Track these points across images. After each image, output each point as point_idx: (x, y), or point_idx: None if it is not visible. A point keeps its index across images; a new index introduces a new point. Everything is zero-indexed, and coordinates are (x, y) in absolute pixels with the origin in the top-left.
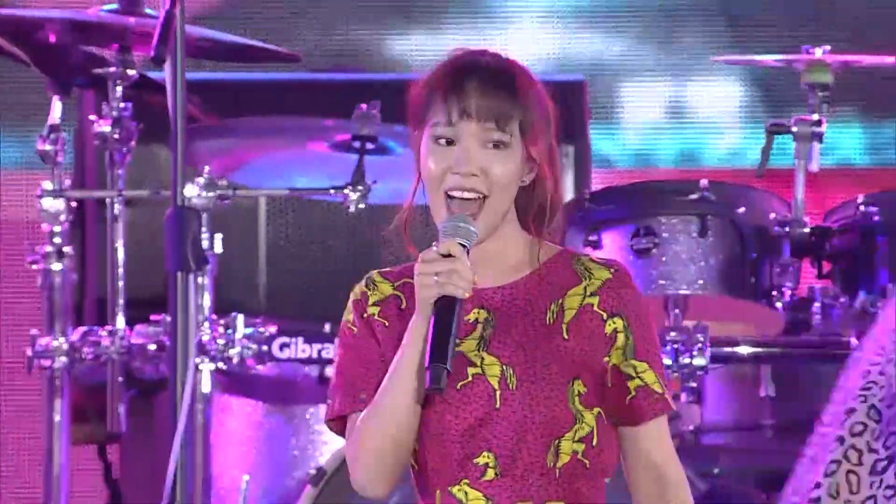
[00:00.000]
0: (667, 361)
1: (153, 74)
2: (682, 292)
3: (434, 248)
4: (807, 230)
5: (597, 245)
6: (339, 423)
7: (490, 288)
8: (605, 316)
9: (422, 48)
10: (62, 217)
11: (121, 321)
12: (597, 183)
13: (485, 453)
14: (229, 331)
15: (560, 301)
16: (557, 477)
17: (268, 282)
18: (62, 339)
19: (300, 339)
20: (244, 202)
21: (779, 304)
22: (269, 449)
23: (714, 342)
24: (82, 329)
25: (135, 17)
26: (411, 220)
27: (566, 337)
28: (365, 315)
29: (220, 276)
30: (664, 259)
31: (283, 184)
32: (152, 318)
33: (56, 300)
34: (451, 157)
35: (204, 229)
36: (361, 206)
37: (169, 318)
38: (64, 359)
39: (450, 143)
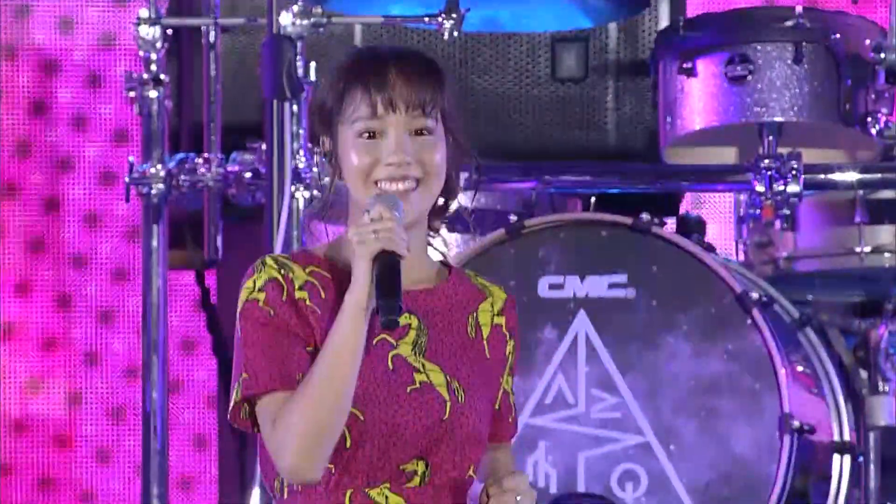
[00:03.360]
0: (760, 189)
1: None
2: (776, 119)
3: (364, 217)
4: None
5: (691, 72)
6: (238, 410)
7: (413, 291)
8: (507, 337)
9: None
10: (158, 45)
11: (217, 149)
12: (692, 9)
13: (415, 460)
14: (324, 158)
15: (474, 314)
16: (460, 488)
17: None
18: (159, 167)
19: None
20: (339, 30)
21: (873, 131)
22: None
23: (808, 169)
24: (179, 156)
25: None
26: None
27: (488, 355)
28: (289, 297)
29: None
30: (759, 86)
31: (377, 11)
32: (248, 145)
33: (153, 128)
34: (377, 149)
35: (299, 57)
36: (455, 33)
37: (265, 146)
38: (161, 186)
39: (371, 136)
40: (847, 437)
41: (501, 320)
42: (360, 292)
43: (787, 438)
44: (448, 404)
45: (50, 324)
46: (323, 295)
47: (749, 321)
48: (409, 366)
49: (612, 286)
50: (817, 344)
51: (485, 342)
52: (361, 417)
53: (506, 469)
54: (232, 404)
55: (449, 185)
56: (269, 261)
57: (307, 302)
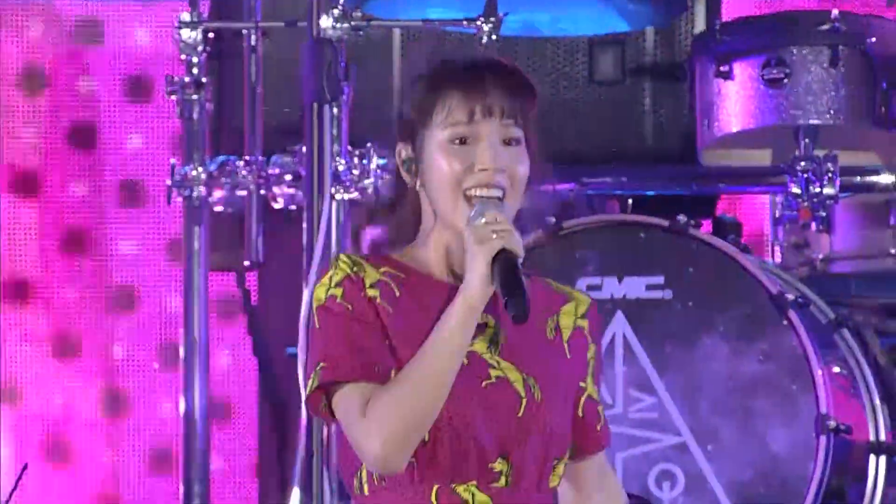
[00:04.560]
0: (796, 191)
1: None
2: (812, 122)
3: (477, 221)
4: None
5: (728, 76)
6: (317, 400)
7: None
8: (589, 340)
9: None
10: (200, 48)
11: (258, 151)
12: (728, 12)
13: (499, 459)
14: (364, 161)
15: (556, 317)
16: (545, 496)
17: (401, 112)
18: (200, 169)
19: None
20: (378, 33)
21: None
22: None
23: (844, 171)
24: (220, 158)
25: None
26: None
27: (569, 356)
28: (365, 295)
29: (354, 107)
30: (795, 89)
31: (416, 14)
32: (288, 148)
33: (194, 130)
34: (468, 155)
35: (339, 60)
36: (494, 37)
37: (305, 149)
38: (202, 188)
39: (462, 142)
40: (883, 438)
41: (584, 323)
42: (475, 291)
43: (823, 439)
44: (524, 401)
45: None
46: (397, 293)
47: (785, 322)
48: (484, 362)
49: (649, 287)
50: (853, 345)
51: (565, 344)
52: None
53: (611, 481)
54: (309, 392)
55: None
56: (343, 258)
57: (378, 300)
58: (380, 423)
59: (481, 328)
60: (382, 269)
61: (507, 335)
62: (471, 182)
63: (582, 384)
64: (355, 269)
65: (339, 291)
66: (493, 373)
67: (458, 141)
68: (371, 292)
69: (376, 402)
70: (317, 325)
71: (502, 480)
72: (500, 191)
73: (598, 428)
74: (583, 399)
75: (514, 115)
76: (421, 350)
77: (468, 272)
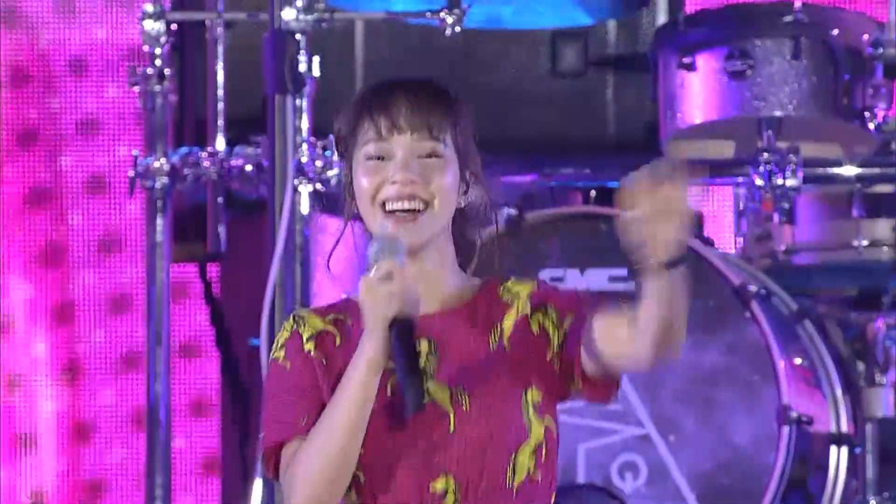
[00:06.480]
0: (759, 182)
1: None
2: (775, 114)
3: (372, 273)
4: None
5: (691, 67)
6: (271, 458)
7: (429, 315)
8: (530, 310)
9: None
10: (163, 39)
11: (220, 143)
12: (691, 5)
13: (442, 478)
14: (327, 152)
15: (499, 325)
16: (514, 497)
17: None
18: (163, 160)
19: None
20: (341, 25)
21: (871, 125)
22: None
23: (806, 163)
24: (183, 150)
25: None
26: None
27: (508, 349)
28: (302, 350)
29: (317, 99)
30: (758, 81)
31: (380, 7)
32: (251, 139)
33: (157, 121)
34: (384, 170)
35: (301, 52)
36: (457, 29)
37: (267, 140)
38: (165, 179)
39: (380, 159)
40: (844, 429)
41: (526, 309)
42: (374, 353)
43: (785, 429)
44: (451, 415)
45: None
46: (337, 342)
47: (748, 314)
48: None
49: (612, 279)
50: (815, 336)
51: (505, 342)
52: (362, 451)
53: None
54: (263, 461)
55: (474, 220)
56: (290, 317)
57: (313, 353)
58: (300, 479)
59: (414, 356)
60: (330, 317)
61: (439, 356)
62: (384, 195)
63: (548, 357)
64: (296, 324)
65: (280, 353)
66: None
67: (375, 158)
68: (307, 346)
69: (294, 458)
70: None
71: (450, 497)
72: (419, 202)
73: (581, 306)
74: (567, 324)
75: (428, 128)
76: (331, 401)
77: (366, 332)
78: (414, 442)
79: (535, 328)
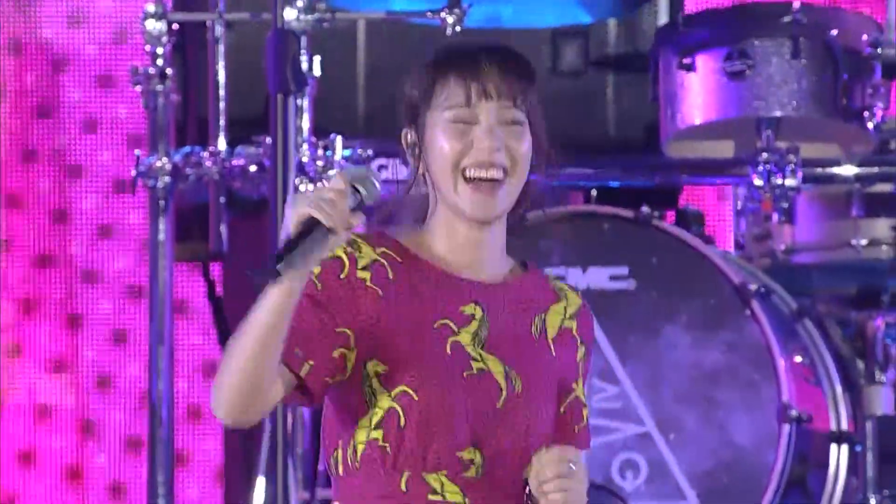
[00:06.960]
0: (759, 182)
1: None
2: (774, 114)
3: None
4: None
5: (690, 68)
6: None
7: (482, 282)
8: (578, 342)
9: None
10: (164, 39)
11: (222, 142)
12: (691, 5)
13: (471, 448)
14: (328, 152)
15: (543, 315)
16: (519, 491)
17: (366, 104)
18: (165, 160)
19: (398, 161)
20: (343, 25)
21: (870, 125)
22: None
23: (806, 163)
24: (185, 149)
25: None
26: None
27: (553, 354)
28: (345, 276)
29: (318, 99)
30: (757, 81)
31: (381, 6)
32: (253, 139)
33: (159, 121)
34: (468, 135)
35: (303, 52)
36: (458, 28)
37: (269, 140)
38: (167, 178)
39: (463, 124)
40: (844, 427)
41: (572, 324)
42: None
43: (785, 428)
44: (503, 393)
45: (58, 345)
46: (390, 275)
47: (748, 312)
48: (467, 354)
49: (613, 278)
50: (815, 335)
51: (549, 342)
52: (415, 397)
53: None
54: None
55: (526, 191)
56: (347, 241)
57: (368, 282)
58: (219, 376)
59: (467, 319)
60: (380, 250)
61: (490, 328)
62: (469, 161)
63: (574, 385)
64: (350, 248)
65: (317, 270)
66: (475, 365)
67: (459, 123)
68: (361, 274)
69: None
70: None
71: (472, 471)
72: (499, 171)
73: (576, 430)
74: (569, 398)
75: (513, 97)
76: (246, 319)
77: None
78: (462, 405)
79: (579, 356)
